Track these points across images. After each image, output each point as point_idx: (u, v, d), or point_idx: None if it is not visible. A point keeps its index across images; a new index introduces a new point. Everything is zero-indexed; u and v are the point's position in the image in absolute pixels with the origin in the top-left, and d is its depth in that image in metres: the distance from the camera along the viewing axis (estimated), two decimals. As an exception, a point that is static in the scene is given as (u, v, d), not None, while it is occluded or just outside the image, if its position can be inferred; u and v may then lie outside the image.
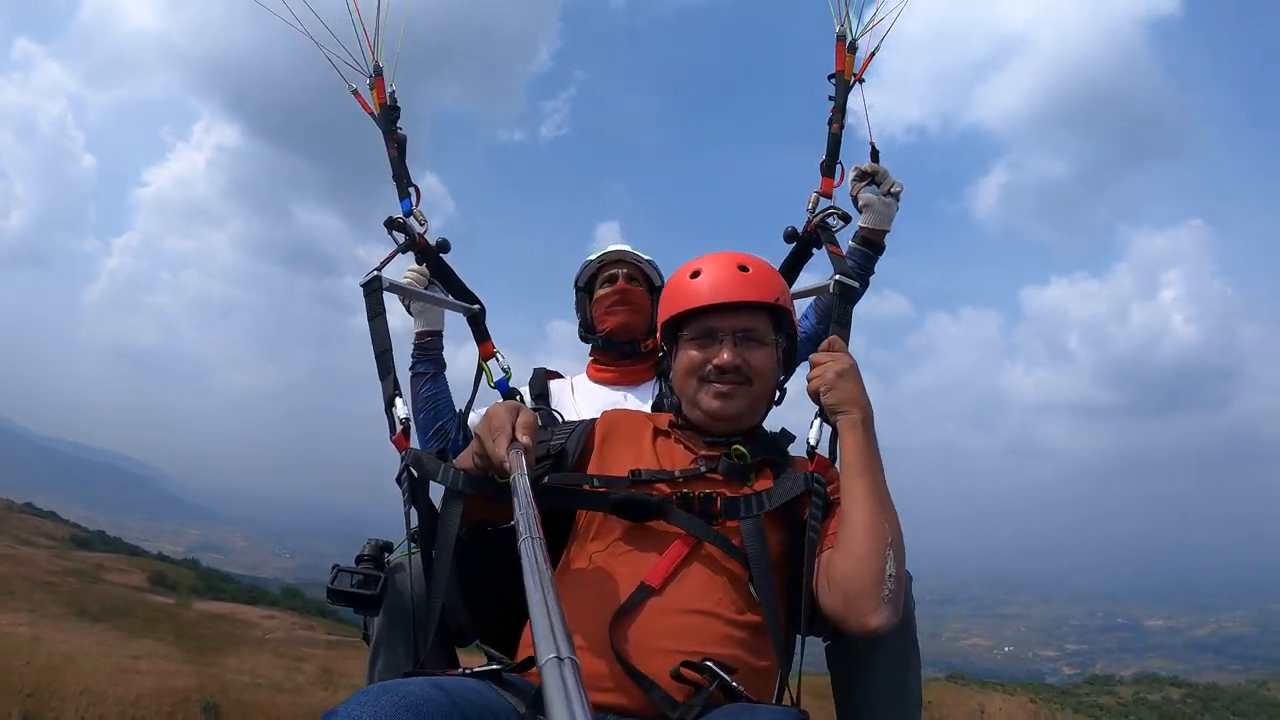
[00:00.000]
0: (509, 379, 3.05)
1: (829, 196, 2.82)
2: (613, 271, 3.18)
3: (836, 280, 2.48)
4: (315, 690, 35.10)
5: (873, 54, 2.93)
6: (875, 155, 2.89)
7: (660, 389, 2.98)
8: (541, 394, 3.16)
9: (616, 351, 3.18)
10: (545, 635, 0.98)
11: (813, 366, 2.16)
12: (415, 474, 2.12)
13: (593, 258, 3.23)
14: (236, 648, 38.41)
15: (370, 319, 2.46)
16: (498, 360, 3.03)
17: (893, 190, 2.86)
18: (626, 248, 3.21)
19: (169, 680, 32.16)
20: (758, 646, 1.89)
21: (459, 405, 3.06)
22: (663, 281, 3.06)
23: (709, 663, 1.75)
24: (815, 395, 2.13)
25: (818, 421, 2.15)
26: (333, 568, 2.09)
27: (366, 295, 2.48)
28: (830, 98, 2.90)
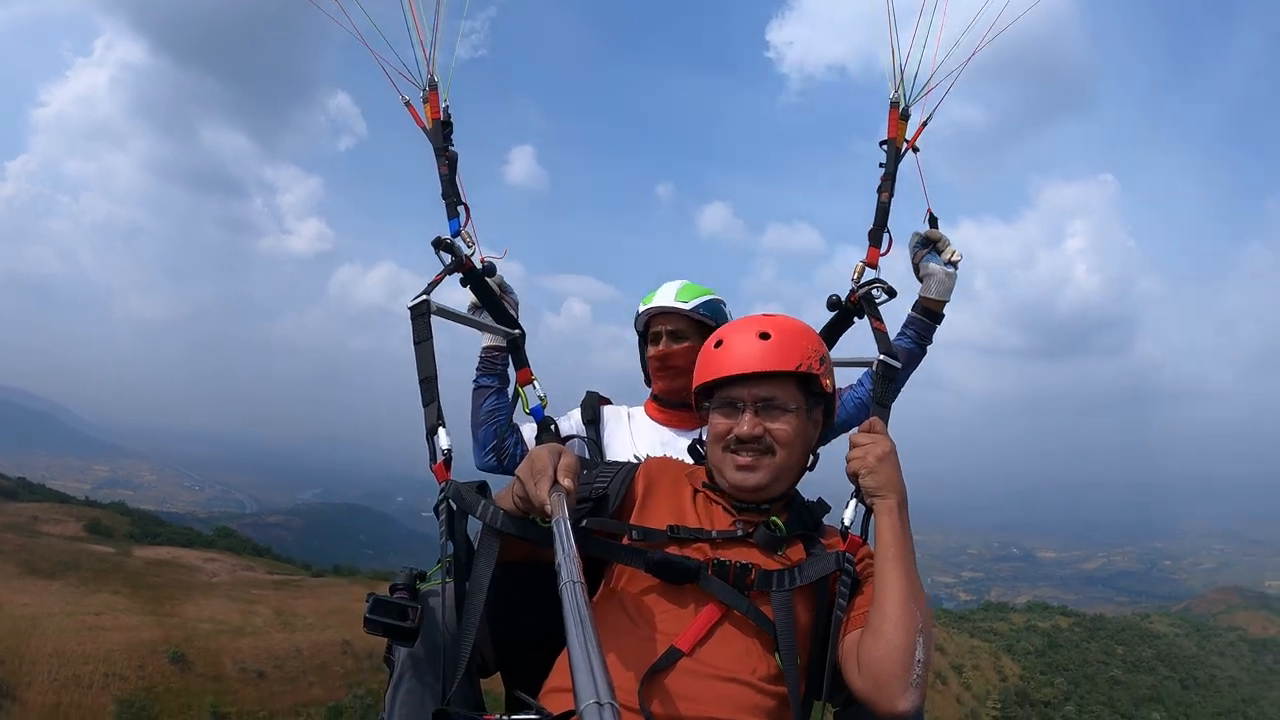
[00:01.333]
0: (544, 407, 3.04)
1: (874, 267, 2.79)
2: (657, 329, 3.11)
3: (880, 360, 2.52)
4: (274, 632, 36.53)
5: (925, 123, 2.87)
6: (934, 222, 2.87)
7: None
8: (593, 420, 3.15)
9: (671, 405, 3.16)
10: (586, 680, 1.00)
11: (853, 447, 2.18)
12: (455, 507, 2.14)
13: (643, 306, 3.16)
14: (189, 594, 39.29)
15: (416, 344, 2.46)
16: (534, 387, 3.01)
17: (953, 260, 2.85)
18: (672, 296, 3.10)
19: (135, 634, 33.05)
20: (779, 714, 1.95)
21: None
22: (717, 321, 3.02)
23: None
24: (854, 476, 2.16)
25: (853, 502, 2.19)
26: (369, 597, 2.05)
27: (414, 319, 2.48)
28: (881, 165, 2.86)
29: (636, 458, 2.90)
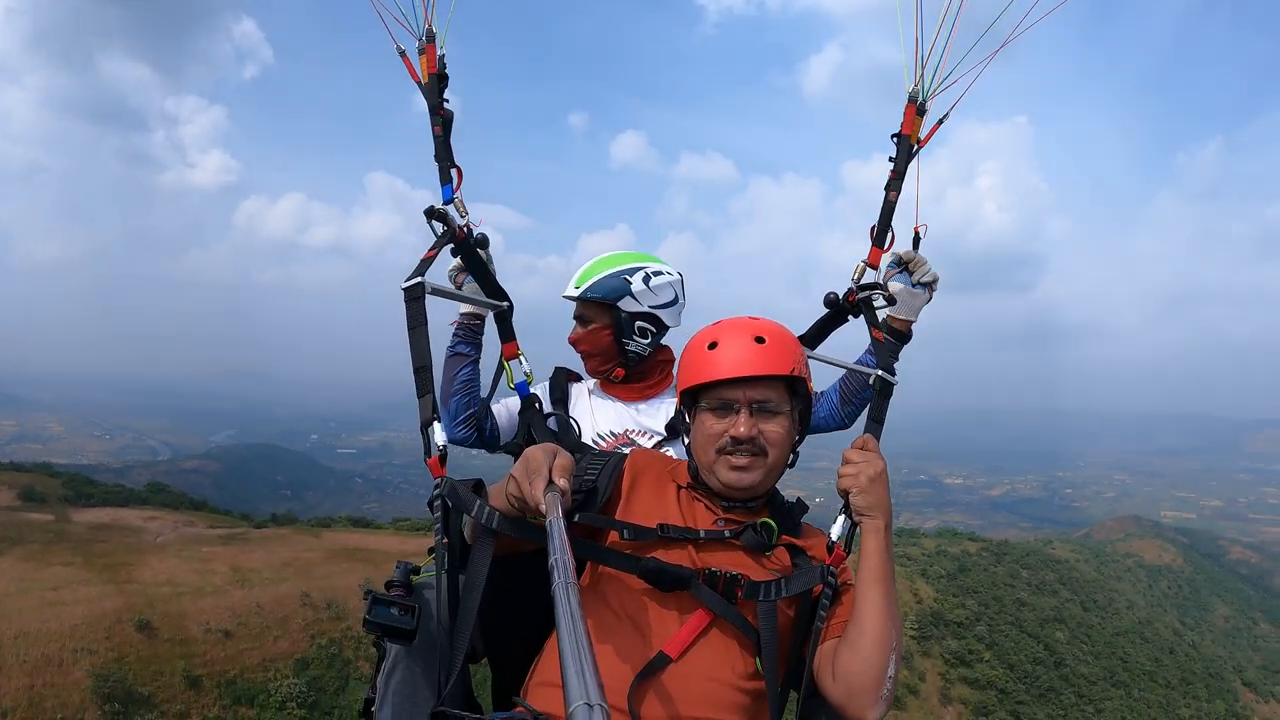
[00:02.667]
0: (530, 383, 2.99)
1: (876, 268, 2.74)
2: (574, 313, 3.15)
3: (879, 376, 2.54)
4: (232, 589, 36.85)
5: (941, 120, 2.77)
6: (916, 242, 2.82)
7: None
8: (561, 398, 3.14)
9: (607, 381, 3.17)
10: (577, 682, 1.00)
11: (845, 463, 2.22)
12: (450, 504, 2.15)
13: None
14: (142, 557, 39.19)
15: (411, 329, 2.39)
16: (520, 362, 2.95)
17: (923, 280, 2.85)
18: (572, 285, 3.09)
19: (96, 605, 33.03)
20: (757, 711, 2.06)
21: (511, 413, 3.09)
22: (613, 298, 3.02)
23: None
24: (844, 493, 2.20)
25: (842, 517, 2.24)
26: (366, 594, 2.09)
27: (408, 302, 2.41)
28: (891, 159, 2.75)
29: (597, 437, 3.03)
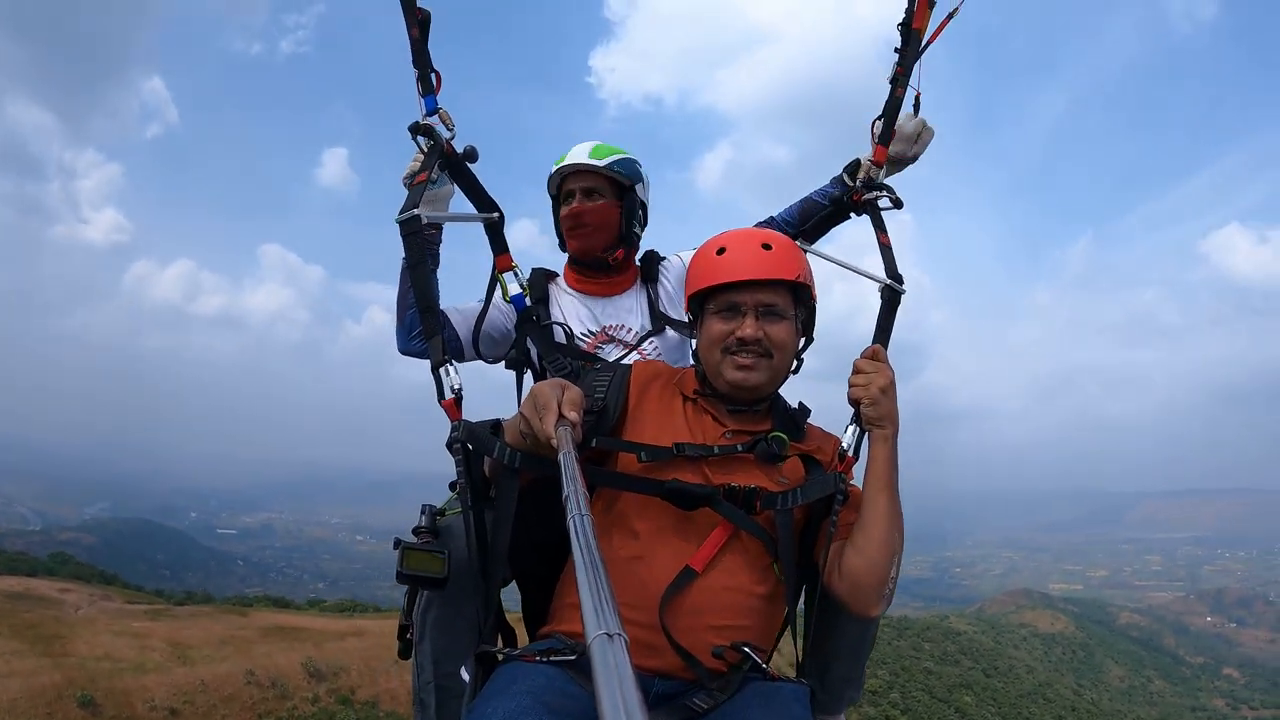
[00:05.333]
0: (526, 295, 2.90)
1: (881, 165, 2.67)
2: (570, 188, 2.98)
3: (886, 285, 2.52)
4: (174, 666, 35.68)
5: (952, 14, 2.59)
6: (917, 107, 2.71)
7: (650, 294, 3.04)
8: (542, 298, 3.03)
9: (587, 266, 3.06)
10: (593, 612, 1.01)
11: (856, 373, 2.29)
12: (470, 447, 2.13)
13: (556, 165, 3.01)
14: (72, 629, 37.50)
15: (411, 267, 2.34)
16: (516, 274, 2.85)
17: (920, 151, 2.81)
18: (585, 155, 2.95)
19: (35, 679, 31.52)
20: (774, 611, 2.18)
21: (468, 320, 2.91)
22: (632, 180, 2.96)
23: (745, 647, 2.00)
24: (855, 403, 2.28)
25: (853, 427, 2.32)
26: (396, 543, 2.08)
27: (405, 236, 2.32)
28: (896, 50, 2.59)
29: (579, 336, 2.94)
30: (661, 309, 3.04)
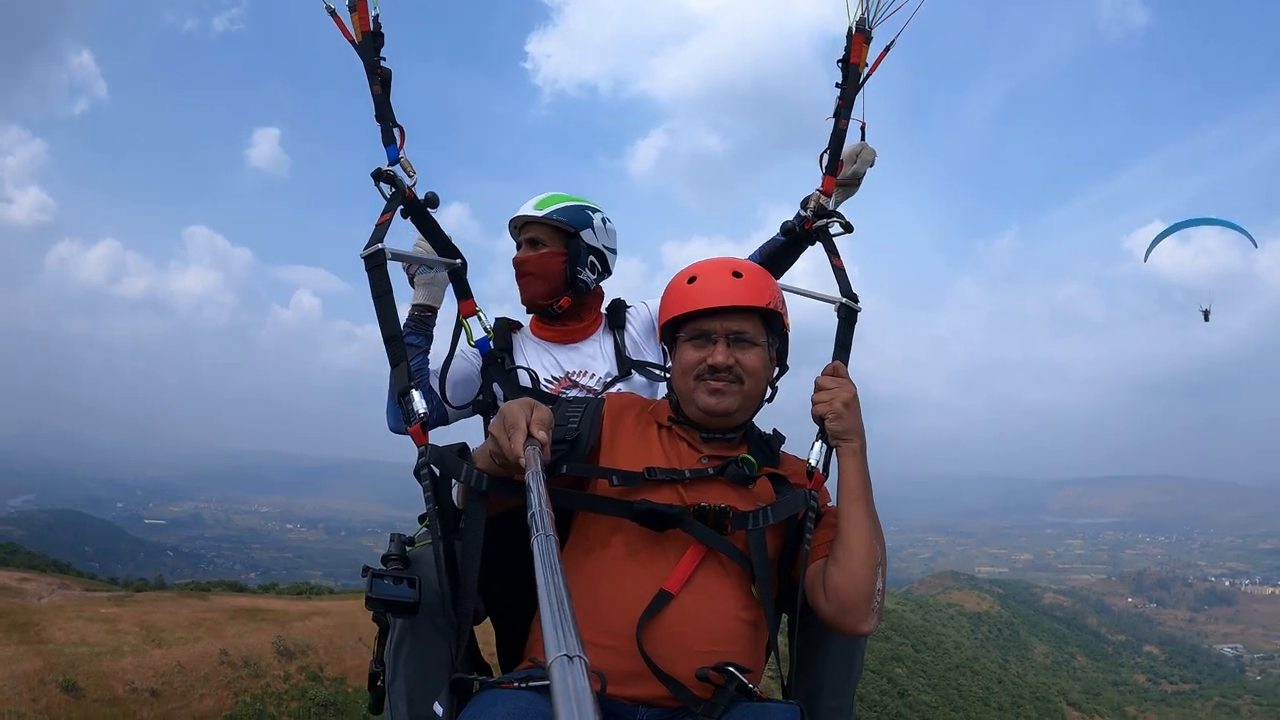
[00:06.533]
0: (490, 338, 2.95)
1: (829, 195, 2.76)
2: (520, 239, 3.06)
3: (842, 304, 2.57)
4: (149, 649, 36.57)
5: (888, 47, 2.73)
6: (861, 135, 2.83)
7: (616, 340, 3.06)
8: (506, 346, 3.04)
9: (540, 314, 3.09)
10: (554, 633, 1.00)
11: (818, 390, 2.28)
12: (437, 472, 2.12)
13: (510, 219, 3.07)
14: (44, 618, 38.21)
15: (376, 297, 2.30)
16: (479, 319, 2.88)
17: (863, 170, 2.89)
18: (531, 206, 3.01)
19: (16, 666, 32.26)
20: (757, 636, 2.13)
21: (435, 365, 2.94)
22: (576, 226, 2.98)
23: (730, 667, 1.97)
24: (820, 419, 2.26)
25: (819, 444, 2.32)
26: (364, 570, 2.05)
27: (370, 270, 2.30)
28: (838, 85, 2.73)
29: (543, 382, 2.95)
30: (627, 355, 3.05)
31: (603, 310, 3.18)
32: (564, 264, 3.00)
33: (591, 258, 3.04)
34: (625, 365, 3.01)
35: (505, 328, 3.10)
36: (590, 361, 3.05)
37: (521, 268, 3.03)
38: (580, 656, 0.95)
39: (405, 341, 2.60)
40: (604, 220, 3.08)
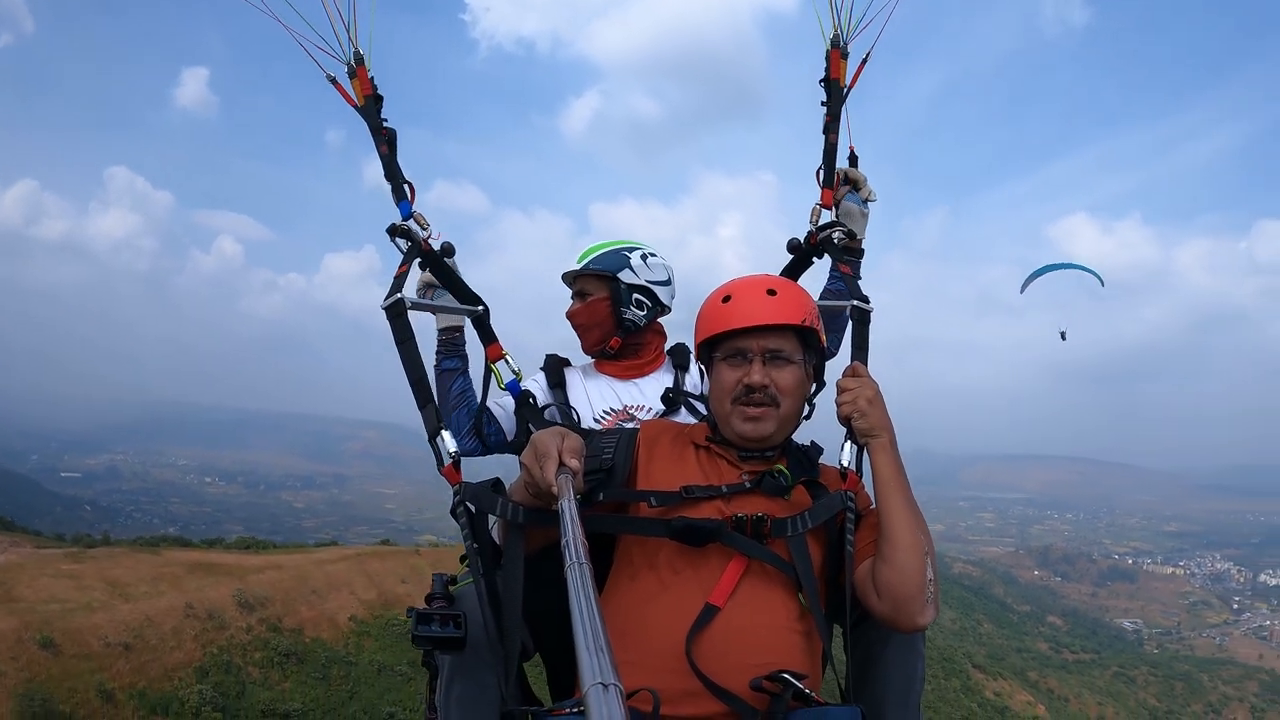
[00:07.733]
0: (520, 380, 2.97)
1: (829, 208, 2.83)
2: (571, 294, 3.18)
3: (854, 306, 2.56)
4: (119, 604, 38.05)
5: (864, 61, 2.83)
6: (854, 161, 2.92)
7: (677, 379, 3.11)
8: (558, 384, 3.11)
9: (601, 356, 3.18)
10: (589, 660, 1.00)
11: (841, 391, 2.27)
12: (473, 509, 2.15)
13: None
14: (10, 576, 39.04)
15: (399, 344, 2.38)
16: (507, 362, 2.92)
17: (870, 199, 2.92)
18: (574, 260, 3.14)
19: (-14, 624, 32.53)
20: (810, 646, 2.08)
21: (506, 412, 3.03)
22: (612, 270, 3.05)
23: (784, 674, 1.91)
24: (846, 420, 2.25)
25: (849, 444, 2.30)
26: (409, 612, 2.07)
27: (391, 319, 2.40)
28: (823, 103, 2.83)
29: (597, 418, 3.01)
30: (684, 390, 3.10)
31: (665, 350, 3.24)
32: (609, 307, 3.07)
33: (636, 295, 3.08)
34: (680, 396, 3.05)
35: (556, 364, 3.18)
36: (649, 398, 3.08)
37: (574, 320, 3.14)
38: (615, 685, 0.95)
39: (442, 368, 2.99)
40: (644, 256, 3.11)
